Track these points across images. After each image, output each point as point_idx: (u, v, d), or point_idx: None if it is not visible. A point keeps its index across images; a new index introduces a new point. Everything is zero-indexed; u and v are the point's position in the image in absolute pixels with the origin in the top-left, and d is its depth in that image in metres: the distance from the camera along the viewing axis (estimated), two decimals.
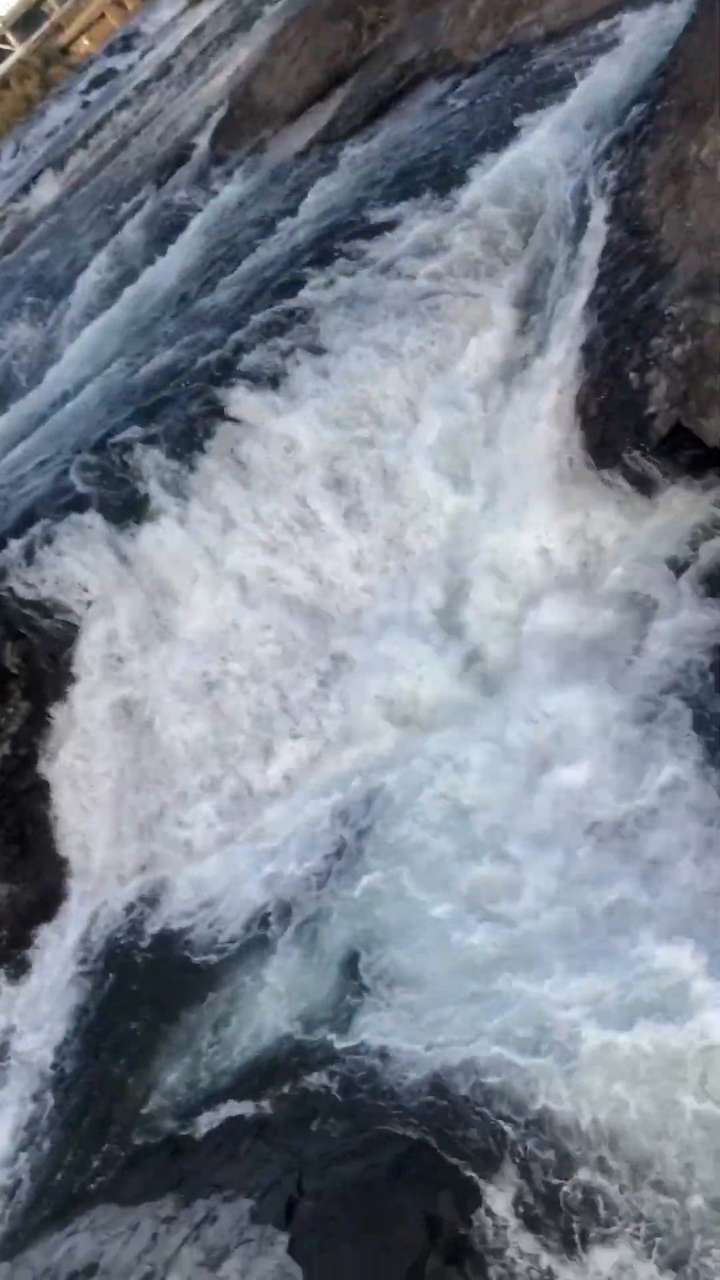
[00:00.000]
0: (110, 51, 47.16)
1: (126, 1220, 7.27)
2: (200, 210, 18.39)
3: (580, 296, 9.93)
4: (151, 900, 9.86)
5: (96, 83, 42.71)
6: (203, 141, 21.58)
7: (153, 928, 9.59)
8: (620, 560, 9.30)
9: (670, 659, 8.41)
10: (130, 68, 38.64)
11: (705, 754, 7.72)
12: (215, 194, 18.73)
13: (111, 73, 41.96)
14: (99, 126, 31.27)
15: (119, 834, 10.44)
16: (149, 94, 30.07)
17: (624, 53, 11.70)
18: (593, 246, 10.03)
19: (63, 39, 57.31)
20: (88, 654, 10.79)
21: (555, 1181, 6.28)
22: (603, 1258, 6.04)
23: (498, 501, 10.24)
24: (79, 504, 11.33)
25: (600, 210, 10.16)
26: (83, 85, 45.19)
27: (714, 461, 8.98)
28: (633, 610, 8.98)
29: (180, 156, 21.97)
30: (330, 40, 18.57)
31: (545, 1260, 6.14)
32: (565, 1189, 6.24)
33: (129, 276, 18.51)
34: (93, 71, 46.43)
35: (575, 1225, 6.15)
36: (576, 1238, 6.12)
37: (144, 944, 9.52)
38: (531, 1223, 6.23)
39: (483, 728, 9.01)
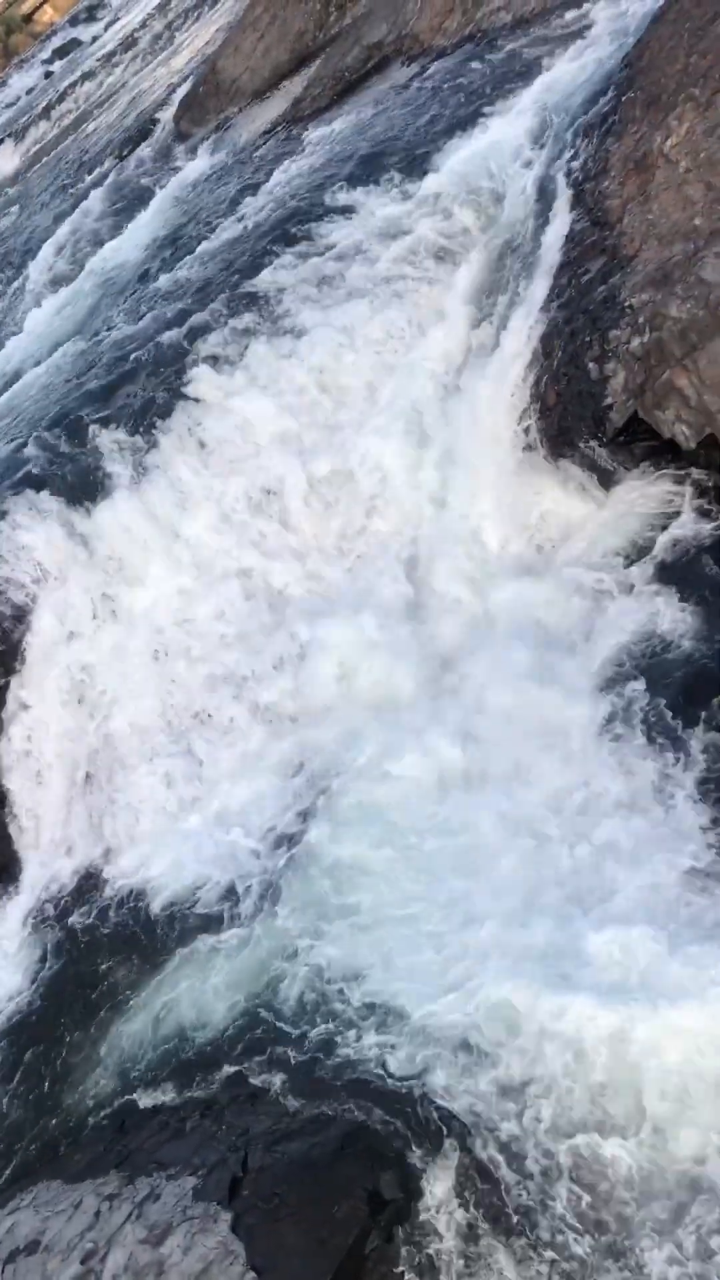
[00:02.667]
0: (74, 21, 46.46)
1: (69, 1197, 7.27)
2: (163, 187, 18.21)
3: (541, 286, 9.98)
4: (100, 875, 9.84)
5: (60, 52, 42.06)
6: (166, 117, 21.38)
7: (101, 902, 9.57)
8: (575, 547, 9.39)
9: (614, 645, 8.53)
10: (94, 38, 38.12)
11: (636, 735, 8.00)
12: (178, 170, 18.56)
13: (75, 43, 41.34)
14: (61, 97, 30.85)
15: (69, 808, 10.39)
16: (113, 66, 29.70)
17: (591, 42, 11.74)
18: (554, 236, 10.08)
19: (25, 6, 56.33)
20: (40, 631, 10.71)
21: (495, 1166, 6.38)
22: (540, 1242, 6.15)
23: (455, 487, 10.28)
24: (35, 480, 11.23)
25: (563, 200, 10.21)
26: (45, 54, 44.50)
27: (668, 454, 9.08)
28: (584, 597, 9.07)
29: (143, 131, 21.75)
30: (298, 19, 18.45)
31: (483, 1242, 6.24)
32: (505, 1173, 6.34)
33: (90, 250, 18.30)
34: (56, 40, 45.71)
35: (513, 1209, 6.25)
36: (514, 1221, 6.22)
37: (91, 918, 9.49)
38: (470, 1204, 6.32)
39: (434, 707, 9.07)
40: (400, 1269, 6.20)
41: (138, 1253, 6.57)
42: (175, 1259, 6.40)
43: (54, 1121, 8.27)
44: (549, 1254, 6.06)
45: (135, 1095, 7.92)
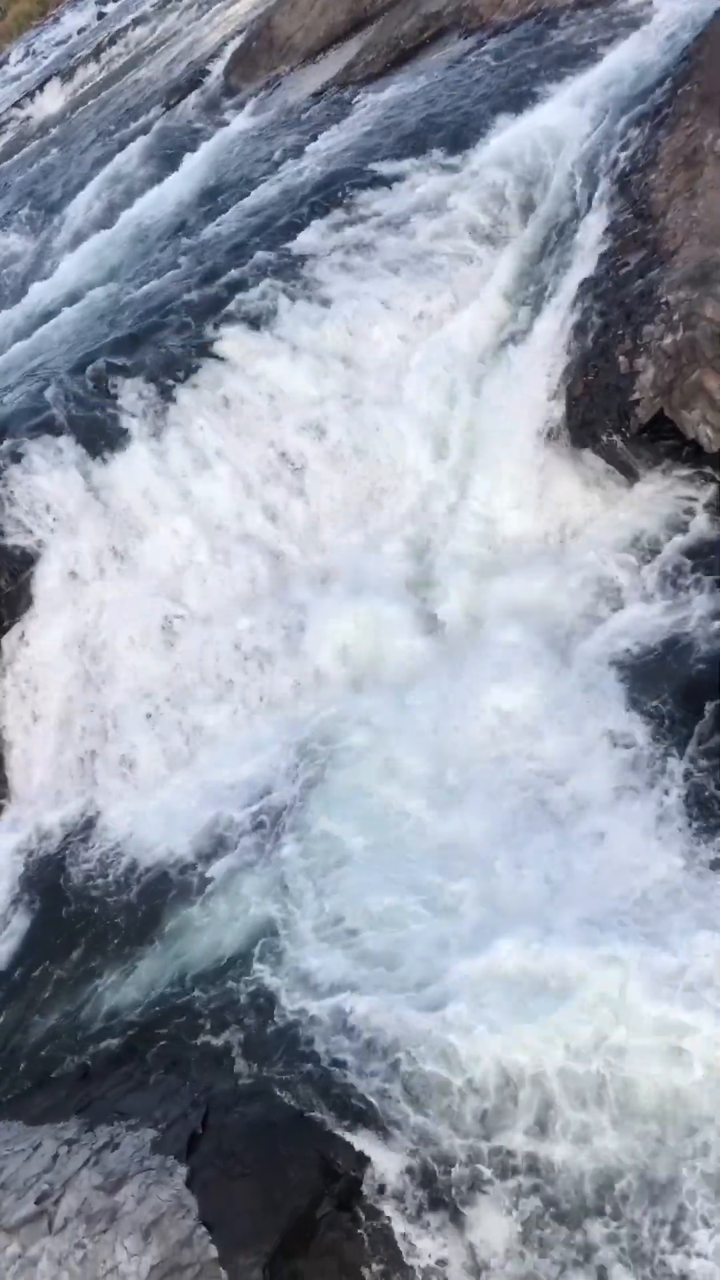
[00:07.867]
0: None
1: (29, 1139, 7.34)
2: (207, 140, 18.05)
3: (578, 274, 9.92)
4: (87, 828, 9.87)
5: None
6: (217, 70, 21.16)
7: (85, 855, 9.60)
8: (588, 541, 9.37)
9: (622, 643, 8.53)
10: None
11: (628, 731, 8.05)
12: (224, 125, 18.39)
13: None
14: (113, 40, 30.49)
15: (60, 759, 10.41)
16: (167, 13, 29.37)
17: (653, 31, 11.62)
18: (596, 225, 10.01)
19: None
20: (47, 577, 10.70)
21: (448, 1141, 6.43)
22: (483, 1224, 6.21)
23: (474, 469, 10.24)
24: (54, 426, 11.18)
25: (608, 189, 10.13)
26: None
27: (691, 454, 9.05)
28: (595, 591, 9.06)
29: (192, 82, 21.53)
30: None
31: (427, 1217, 6.29)
32: (457, 1149, 6.40)
33: (128, 198, 18.16)
34: None
35: (459, 1186, 6.31)
36: (459, 1199, 6.28)
37: (74, 870, 9.53)
38: (419, 1179, 6.38)
39: (435, 687, 9.07)
40: (350, 1237, 6.26)
41: (92, 1198, 6.64)
42: (129, 1208, 6.47)
43: (20, 1065, 8.33)
44: (496, 1239, 6.13)
45: (103, 1045, 7.99)
